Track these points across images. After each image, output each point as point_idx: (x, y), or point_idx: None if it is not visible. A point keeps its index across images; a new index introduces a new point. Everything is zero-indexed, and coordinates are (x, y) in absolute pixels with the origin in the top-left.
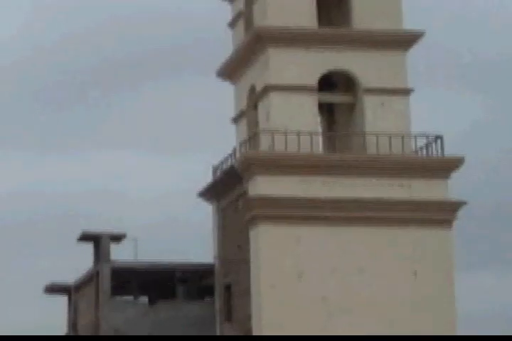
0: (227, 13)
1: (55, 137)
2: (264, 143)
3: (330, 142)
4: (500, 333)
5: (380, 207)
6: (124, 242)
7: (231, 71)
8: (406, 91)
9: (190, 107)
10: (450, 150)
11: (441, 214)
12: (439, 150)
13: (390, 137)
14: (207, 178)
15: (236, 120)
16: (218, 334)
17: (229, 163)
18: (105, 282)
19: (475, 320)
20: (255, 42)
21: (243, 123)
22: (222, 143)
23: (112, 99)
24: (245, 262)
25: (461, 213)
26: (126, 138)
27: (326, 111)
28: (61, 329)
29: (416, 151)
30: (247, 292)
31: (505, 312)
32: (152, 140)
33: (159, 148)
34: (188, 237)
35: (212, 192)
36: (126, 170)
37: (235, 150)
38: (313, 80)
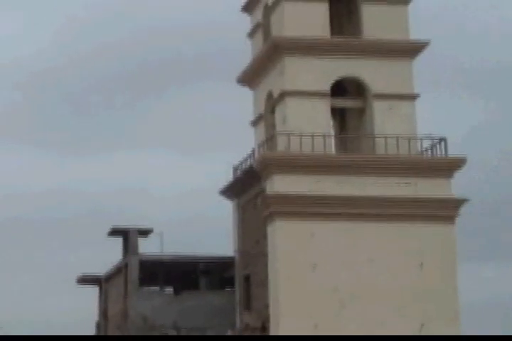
0: (247, 24)
1: (86, 139)
2: (280, 145)
3: (342, 143)
4: (499, 321)
5: (388, 204)
6: (151, 236)
7: (250, 78)
8: (412, 97)
9: (211, 111)
10: (453, 152)
11: (445, 210)
12: (443, 151)
13: (398, 139)
14: (227, 177)
15: (255, 123)
16: (238, 321)
17: (248, 163)
18: (133, 273)
19: (476, 308)
20: (272, 51)
21: (261, 126)
22: (241, 144)
23: (138, 104)
24: (263, 255)
25: (463, 210)
26: (152, 140)
27: (338, 115)
28: (92, 318)
29: (421, 152)
30: (264, 283)
31: (503, 301)
32: (176, 141)
33: (183, 149)
34: (210, 232)
35: (232, 190)
36: (151, 169)
37: (253, 151)
38: (326, 86)
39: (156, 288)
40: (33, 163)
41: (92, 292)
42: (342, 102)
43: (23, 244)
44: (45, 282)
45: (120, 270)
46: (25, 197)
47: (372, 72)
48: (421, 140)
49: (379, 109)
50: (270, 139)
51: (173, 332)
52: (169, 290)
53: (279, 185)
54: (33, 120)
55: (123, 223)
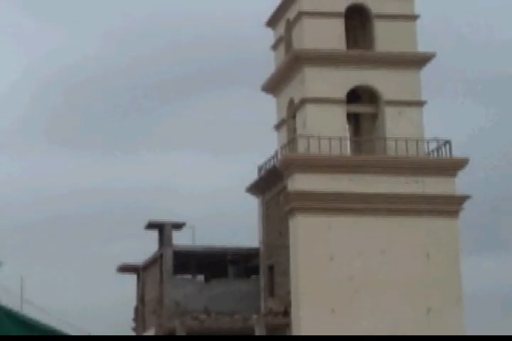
0: (270, 37)
1: (123, 141)
2: (301, 147)
3: (356, 145)
4: (498, 308)
5: (398, 200)
6: (184, 230)
7: (273, 86)
8: (420, 103)
9: (238, 116)
10: (457, 153)
11: (449, 206)
12: (448, 153)
13: (407, 141)
14: (253, 176)
15: (277, 127)
16: (263, 307)
17: (271, 163)
18: (168, 263)
19: (477, 296)
20: (293, 62)
21: (283, 130)
22: (265, 146)
23: (172, 109)
24: (285, 246)
25: (466, 205)
26: (183, 142)
27: (353, 119)
28: (131, 303)
29: (428, 153)
30: (286, 271)
31: (502, 290)
32: (205, 143)
33: (211, 151)
34: (237, 226)
35: (257, 188)
36: (183, 169)
37: (276, 152)
38: (342, 94)
39: (188, 276)
40: (76, 164)
41: (131, 280)
42: (356, 108)
43: (70, 237)
44: (89, 271)
45: (156, 260)
46: (70, 195)
47: (383, 81)
48: (428, 142)
49: (390, 115)
50: (291, 142)
51: (203, 317)
52: (200, 278)
53: (300, 183)
54: (75, 124)
55: (158, 218)
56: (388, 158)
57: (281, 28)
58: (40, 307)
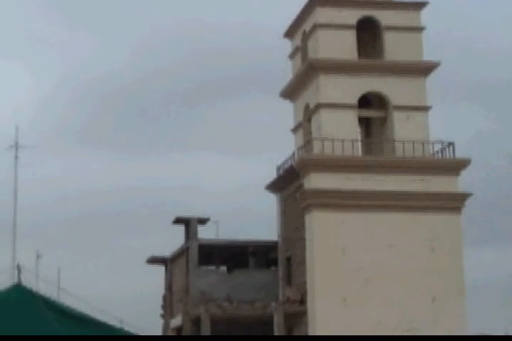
0: (288, 48)
1: (152, 143)
2: (316, 148)
3: (367, 147)
4: (498, 296)
5: (405, 197)
6: (208, 224)
7: (290, 92)
8: (425, 108)
9: (258, 120)
10: (460, 154)
11: (453, 203)
12: (451, 154)
13: (413, 143)
14: (272, 175)
15: (294, 130)
16: (281, 295)
17: (289, 163)
18: (193, 255)
19: (478, 286)
20: (309, 70)
21: (300, 132)
22: (283, 148)
23: (197, 113)
24: (301, 240)
25: (467, 202)
26: (208, 144)
27: (364, 123)
28: (160, 292)
29: (433, 154)
30: (303, 263)
31: (501, 280)
32: (229, 145)
33: (233, 152)
34: (258, 220)
35: (276, 186)
36: (206, 169)
37: (293, 153)
38: (353, 99)
39: (212, 267)
40: (110, 164)
41: (160, 270)
42: (367, 113)
43: (103, 231)
44: (122, 262)
45: (182, 252)
46: (104, 192)
47: (392, 88)
48: (433, 144)
49: (398, 119)
50: (307, 144)
51: (226, 304)
52: (223, 269)
53: (315, 181)
54: (109, 128)
55: (185, 213)
56: (396, 158)
57: (298, 39)
58: (76, 296)
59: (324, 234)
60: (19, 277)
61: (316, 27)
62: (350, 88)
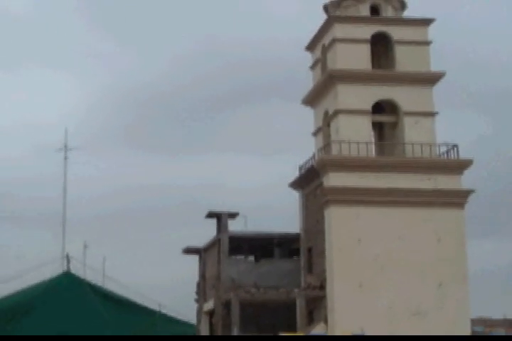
0: (309, 59)
1: (185, 145)
2: (334, 150)
3: (380, 149)
4: (497, 283)
5: (414, 194)
6: (238, 218)
7: (311, 100)
8: (432, 114)
9: (282, 124)
10: (463, 155)
11: (457, 199)
12: (456, 155)
13: (421, 145)
14: (294, 174)
15: (315, 133)
16: (302, 282)
17: (310, 164)
18: (224, 246)
19: (480, 273)
20: (328, 79)
21: (320, 136)
22: (305, 149)
23: (225, 118)
24: (321, 232)
25: (470, 198)
26: (236, 146)
27: (377, 127)
28: (194, 279)
29: (439, 155)
30: (322, 253)
31: (500, 269)
32: (255, 147)
33: (260, 153)
34: (282, 215)
35: (298, 184)
36: (236, 168)
37: (314, 154)
38: (368, 106)
39: (241, 257)
40: (149, 164)
41: (194, 260)
42: (380, 118)
43: (144, 224)
44: (160, 253)
45: (214, 243)
46: (144, 189)
47: (402, 95)
48: (439, 146)
49: (407, 123)
50: (326, 146)
51: (254, 290)
52: (251, 258)
53: (333, 179)
54: (148, 131)
55: (216, 208)
56: (406, 159)
57: (318, 51)
58: (119, 282)
59: (341, 227)
60: (68, 265)
61: (334, 41)
62: (364, 96)
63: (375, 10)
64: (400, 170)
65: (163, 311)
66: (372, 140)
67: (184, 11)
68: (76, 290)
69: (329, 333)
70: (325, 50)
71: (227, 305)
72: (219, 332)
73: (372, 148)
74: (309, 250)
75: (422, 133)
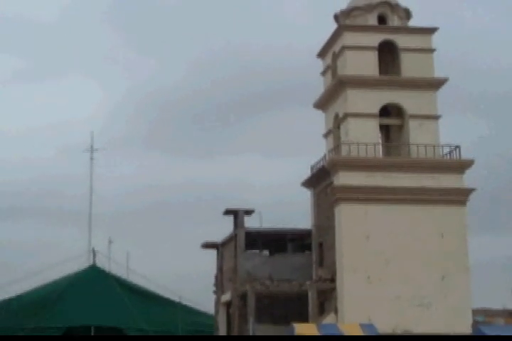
0: (320, 66)
1: (206, 147)
2: (344, 151)
3: (387, 150)
4: (496, 275)
5: (419, 192)
6: (253, 215)
7: (322, 104)
8: (436, 117)
9: (295, 127)
10: (465, 155)
11: (459, 196)
12: (458, 155)
13: (426, 146)
14: (307, 173)
15: (326, 135)
16: (314, 275)
17: (321, 164)
18: (241, 241)
19: (480, 266)
20: (338, 85)
21: (330, 137)
22: (316, 150)
23: (242, 122)
24: (332, 228)
25: (471, 196)
26: (252, 147)
27: (384, 129)
28: (212, 272)
29: (442, 156)
30: (333, 247)
31: (499, 261)
32: (270, 148)
33: (275, 154)
34: (295, 212)
35: (310, 183)
36: (251, 168)
37: (325, 155)
38: (375, 110)
39: (257, 251)
40: (170, 164)
41: (212, 254)
42: (387, 121)
43: (165, 220)
44: (180, 247)
45: (231, 238)
46: (165, 188)
47: (407, 100)
48: (442, 147)
49: (413, 126)
50: (337, 147)
51: (268, 282)
52: (266, 252)
53: (343, 179)
54: (169, 134)
55: (233, 206)
56: (411, 159)
57: (329, 58)
58: (142, 275)
59: (351, 223)
60: (94, 259)
61: (344, 48)
62: (372, 100)
63: (382, 19)
64: (405, 170)
65: (184, 302)
66: (380, 141)
67: (203, 19)
68: (102, 282)
69: (339, 323)
70: (335, 57)
71: (243, 296)
72: (236, 322)
73: (380, 149)
74: (320, 245)
75: (426, 135)
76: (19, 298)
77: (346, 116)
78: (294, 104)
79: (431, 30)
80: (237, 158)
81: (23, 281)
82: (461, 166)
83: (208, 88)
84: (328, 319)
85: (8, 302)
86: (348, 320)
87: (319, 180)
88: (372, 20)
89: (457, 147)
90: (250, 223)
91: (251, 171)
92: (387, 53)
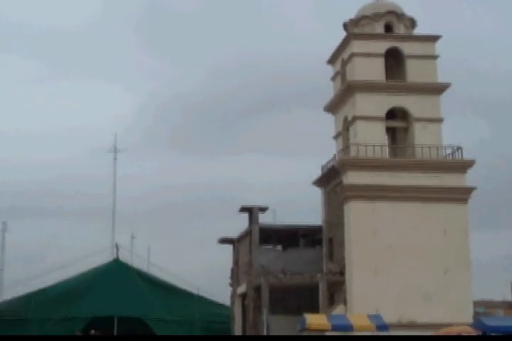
0: (330, 72)
1: (221, 147)
2: (352, 151)
3: (393, 151)
4: (496, 270)
5: (423, 191)
6: (267, 212)
7: (332, 107)
8: (439, 120)
9: (307, 129)
10: (466, 156)
11: (461, 195)
12: (460, 156)
13: (429, 148)
14: (317, 173)
15: (335, 137)
16: (324, 268)
17: (331, 164)
18: (255, 236)
19: (481, 261)
20: (347, 89)
21: (340, 139)
22: (327, 151)
23: (257, 124)
24: (341, 224)
25: (473, 195)
26: (265, 148)
27: (390, 131)
28: (229, 265)
29: (445, 156)
30: (342, 242)
31: (499, 257)
32: (282, 149)
33: (287, 155)
34: (306, 209)
35: (321, 182)
36: (266, 168)
37: (334, 155)
38: (382, 113)
39: (270, 246)
40: (190, 164)
41: (228, 249)
42: (393, 123)
43: (184, 217)
44: (198, 242)
45: (247, 234)
46: (185, 186)
47: (412, 104)
48: (445, 148)
49: (417, 128)
50: (346, 148)
51: (281, 275)
52: (279, 247)
53: (352, 178)
54: (188, 136)
55: (248, 203)
56: (416, 160)
57: (338, 65)
58: (163, 269)
59: (359, 220)
60: (117, 254)
61: (352, 55)
62: (379, 104)
63: (388, 28)
64: (410, 170)
65: (201, 294)
66: (386, 143)
67: (220, 28)
68: (124, 275)
69: (348, 313)
70: (344, 63)
71: (257, 288)
72: (250, 313)
73: (386, 150)
74: (330, 240)
75: (430, 137)
76: (47, 290)
77: (355, 119)
78: (306, 107)
79: (434, 38)
80: (254, 158)
81: (53, 273)
82: (463, 166)
83: (226, 92)
84: (338, 310)
85: (37, 293)
86: (357, 310)
87: (329, 179)
88: (379, 28)
89: (459, 148)
90: (264, 219)
91: (266, 170)
92: (394, 60)
